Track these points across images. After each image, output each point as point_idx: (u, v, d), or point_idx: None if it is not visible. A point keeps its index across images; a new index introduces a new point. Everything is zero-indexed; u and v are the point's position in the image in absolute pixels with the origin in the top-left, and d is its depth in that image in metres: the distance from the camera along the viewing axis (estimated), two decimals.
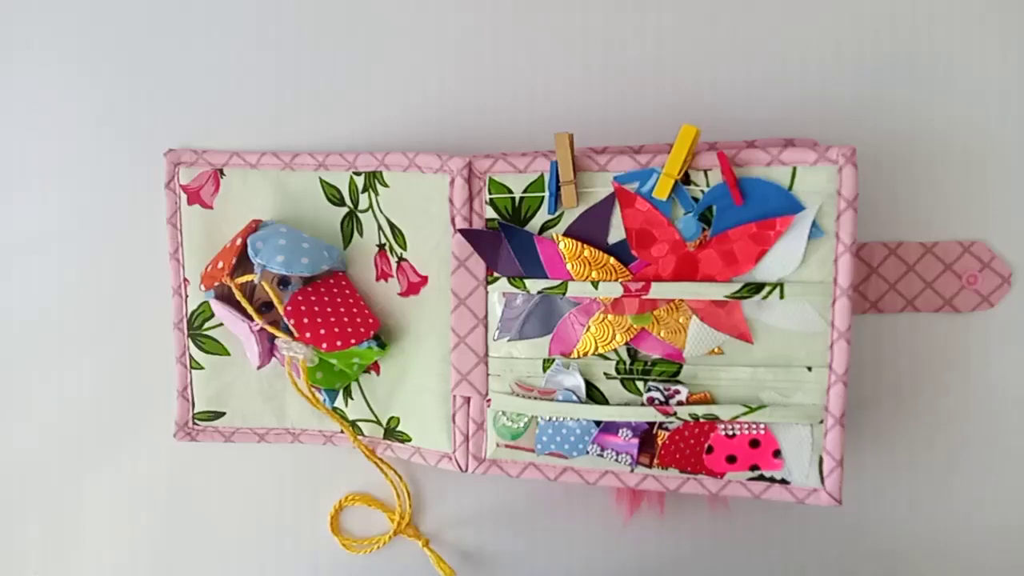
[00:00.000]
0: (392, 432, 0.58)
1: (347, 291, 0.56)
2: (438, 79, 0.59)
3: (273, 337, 0.56)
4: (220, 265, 0.55)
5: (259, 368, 0.57)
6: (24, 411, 0.64)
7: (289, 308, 0.54)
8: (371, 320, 0.55)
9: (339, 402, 0.59)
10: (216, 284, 0.55)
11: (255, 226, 0.56)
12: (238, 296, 0.54)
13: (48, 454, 0.64)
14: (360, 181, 0.57)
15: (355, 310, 0.55)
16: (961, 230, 0.56)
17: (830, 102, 0.56)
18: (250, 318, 0.55)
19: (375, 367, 0.58)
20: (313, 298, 0.55)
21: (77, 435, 0.63)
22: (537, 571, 0.60)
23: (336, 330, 0.54)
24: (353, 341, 0.54)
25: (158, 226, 0.59)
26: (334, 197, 0.57)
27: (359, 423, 0.58)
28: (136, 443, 0.63)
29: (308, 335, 0.53)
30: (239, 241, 0.55)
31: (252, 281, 0.54)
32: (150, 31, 0.61)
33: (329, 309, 0.54)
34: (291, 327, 0.54)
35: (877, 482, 0.58)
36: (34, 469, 0.64)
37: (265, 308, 0.56)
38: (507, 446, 0.54)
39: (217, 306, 0.57)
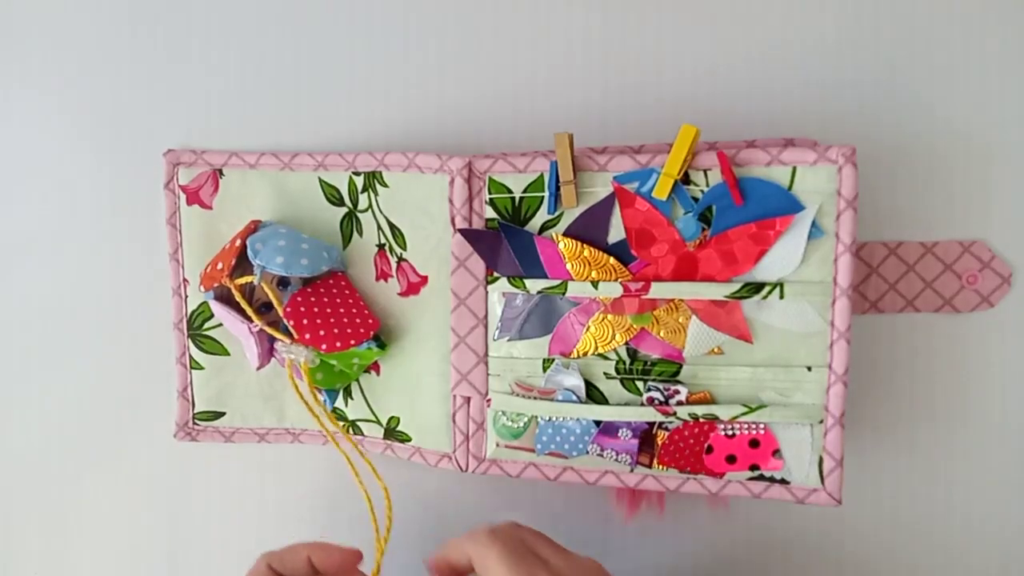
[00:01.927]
0: (392, 432, 0.58)
1: (347, 291, 0.56)
2: (438, 79, 0.59)
3: (273, 338, 0.56)
4: (220, 266, 0.55)
5: (259, 369, 0.57)
6: (24, 411, 0.64)
7: (288, 309, 0.54)
8: (371, 320, 0.55)
9: (339, 402, 0.59)
10: (216, 285, 0.55)
11: (254, 227, 0.56)
12: (237, 297, 0.54)
13: (48, 454, 0.64)
14: (359, 181, 0.57)
15: (355, 310, 0.55)
16: (961, 230, 0.56)
17: (830, 102, 0.56)
18: (249, 319, 0.55)
19: (375, 367, 0.58)
20: (313, 299, 0.54)
21: (77, 435, 0.64)
22: None
23: (336, 331, 0.54)
24: (352, 342, 0.54)
25: (158, 226, 0.59)
26: (333, 197, 0.57)
27: (359, 423, 0.58)
28: (136, 443, 0.63)
29: (308, 336, 0.53)
30: (238, 242, 0.54)
31: (252, 282, 0.54)
32: (150, 30, 0.61)
33: (329, 310, 0.54)
34: (290, 328, 0.54)
35: (877, 482, 0.58)
36: (35, 469, 0.64)
37: (265, 308, 0.56)
38: (507, 446, 0.54)
39: (216, 307, 0.57)
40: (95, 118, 0.62)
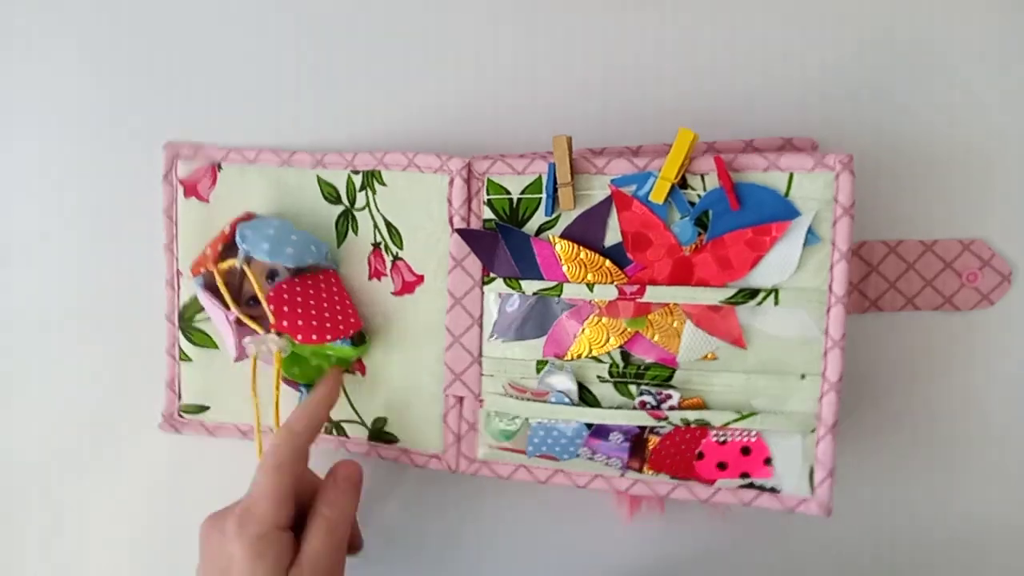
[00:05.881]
0: (378, 433, 0.57)
1: (335, 288, 0.55)
2: (439, 80, 0.58)
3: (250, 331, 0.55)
4: (207, 252, 0.55)
5: (236, 360, 0.56)
6: (21, 404, 0.64)
7: (271, 294, 0.53)
8: (352, 320, 0.54)
9: None
10: (203, 271, 0.55)
11: (247, 216, 0.56)
12: (219, 283, 0.53)
13: (44, 448, 0.64)
14: (358, 180, 0.56)
15: (338, 307, 0.54)
16: (961, 228, 0.56)
17: (830, 101, 0.55)
18: (227, 307, 0.54)
19: (360, 367, 0.57)
20: (298, 289, 0.54)
21: (74, 429, 0.64)
22: (538, 572, 0.61)
23: (314, 323, 0.53)
24: (329, 337, 0.53)
25: (155, 219, 0.59)
26: (330, 195, 0.57)
27: (342, 423, 0.58)
28: (135, 437, 0.63)
29: (285, 323, 0.52)
30: (227, 229, 0.54)
31: (235, 266, 0.53)
32: (152, 24, 0.60)
33: (312, 303, 0.54)
34: (270, 313, 0.53)
35: (876, 481, 0.58)
36: (31, 463, 0.65)
37: (254, 302, 0.55)
38: (499, 447, 0.54)
39: (202, 295, 0.56)
40: (93, 110, 0.61)
